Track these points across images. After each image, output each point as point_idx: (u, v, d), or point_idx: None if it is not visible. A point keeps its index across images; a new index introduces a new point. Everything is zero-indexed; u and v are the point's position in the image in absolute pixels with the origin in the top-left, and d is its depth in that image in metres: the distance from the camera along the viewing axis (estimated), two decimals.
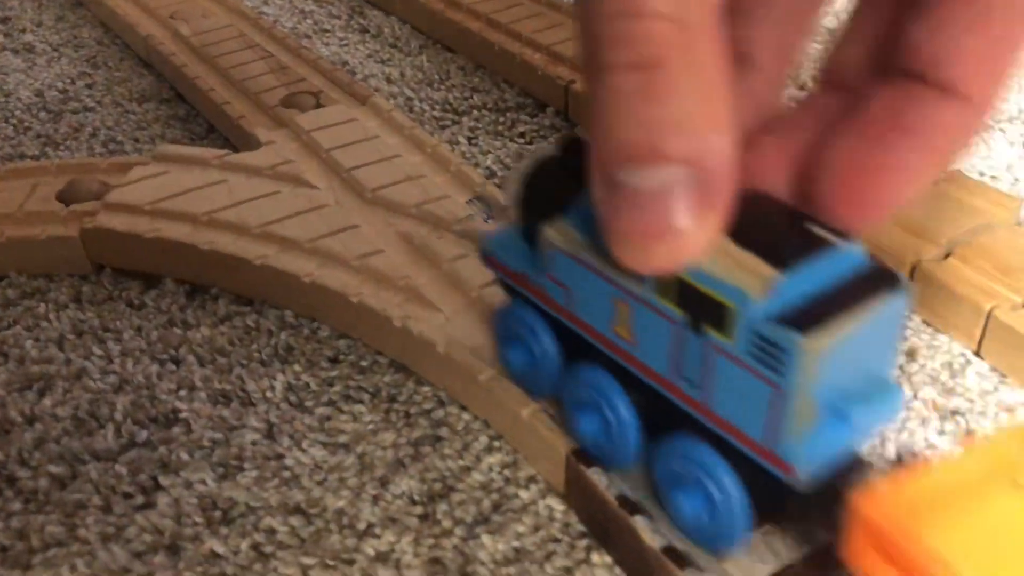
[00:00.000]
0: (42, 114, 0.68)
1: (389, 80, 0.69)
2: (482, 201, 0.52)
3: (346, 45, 0.75)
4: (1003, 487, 0.28)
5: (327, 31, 0.78)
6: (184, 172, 0.53)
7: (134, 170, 0.53)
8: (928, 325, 0.46)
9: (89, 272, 0.51)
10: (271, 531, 0.37)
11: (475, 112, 0.65)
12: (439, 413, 0.42)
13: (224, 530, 0.37)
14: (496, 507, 0.38)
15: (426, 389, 0.43)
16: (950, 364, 0.44)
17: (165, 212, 0.50)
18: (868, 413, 0.29)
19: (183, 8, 0.77)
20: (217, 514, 0.38)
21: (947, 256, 0.46)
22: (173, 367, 0.45)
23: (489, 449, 0.40)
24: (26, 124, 0.66)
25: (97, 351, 0.46)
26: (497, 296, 0.41)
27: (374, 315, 0.44)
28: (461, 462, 0.39)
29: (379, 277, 0.46)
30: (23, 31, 0.81)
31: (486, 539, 0.36)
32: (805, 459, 0.28)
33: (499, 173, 0.58)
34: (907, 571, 0.27)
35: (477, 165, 0.59)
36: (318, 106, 0.61)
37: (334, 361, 0.45)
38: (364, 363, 0.45)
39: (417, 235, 0.49)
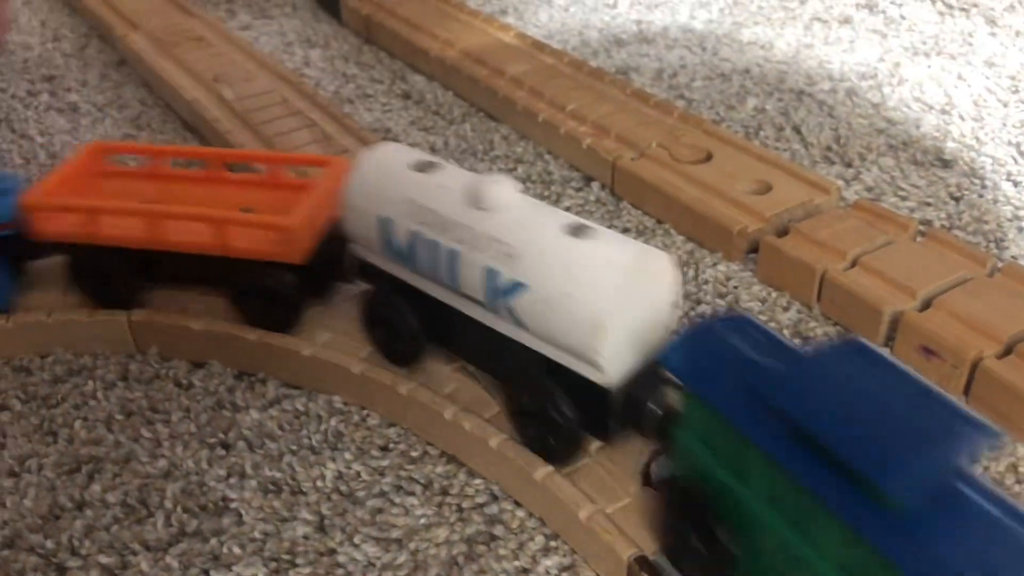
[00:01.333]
0: None
1: (433, 149, 0.69)
2: None
3: (389, 111, 0.76)
4: None
5: (369, 96, 0.78)
6: None
7: None
8: None
9: (134, 351, 0.51)
10: None
11: (520, 185, 0.65)
12: (493, 508, 0.41)
13: None
14: None
15: (478, 482, 0.43)
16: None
17: (212, 300, 0.50)
18: None
19: (226, 71, 0.78)
20: None
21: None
22: (222, 452, 0.44)
23: (546, 550, 0.39)
24: None
25: (146, 433, 0.46)
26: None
27: (424, 408, 0.44)
28: (517, 563, 0.39)
29: (428, 366, 0.46)
30: (68, 90, 0.82)
31: None
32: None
33: None
34: None
35: None
36: None
37: (384, 450, 0.44)
38: (415, 453, 0.44)
39: None
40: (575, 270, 0.36)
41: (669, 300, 0.39)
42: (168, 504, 0.42)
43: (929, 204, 0.61)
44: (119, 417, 0.47)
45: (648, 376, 0.38)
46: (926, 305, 0.48)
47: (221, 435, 0.45)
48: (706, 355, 0.34)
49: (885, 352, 0.32)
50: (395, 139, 0.71)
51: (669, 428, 0.36)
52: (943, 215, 0.59)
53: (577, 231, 0.38)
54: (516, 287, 0.38)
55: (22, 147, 0.73)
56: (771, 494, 0.31)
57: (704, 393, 0.33)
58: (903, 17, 0.88)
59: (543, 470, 0.40)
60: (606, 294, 0.36)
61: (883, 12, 0.90)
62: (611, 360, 0.36)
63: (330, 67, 0.84)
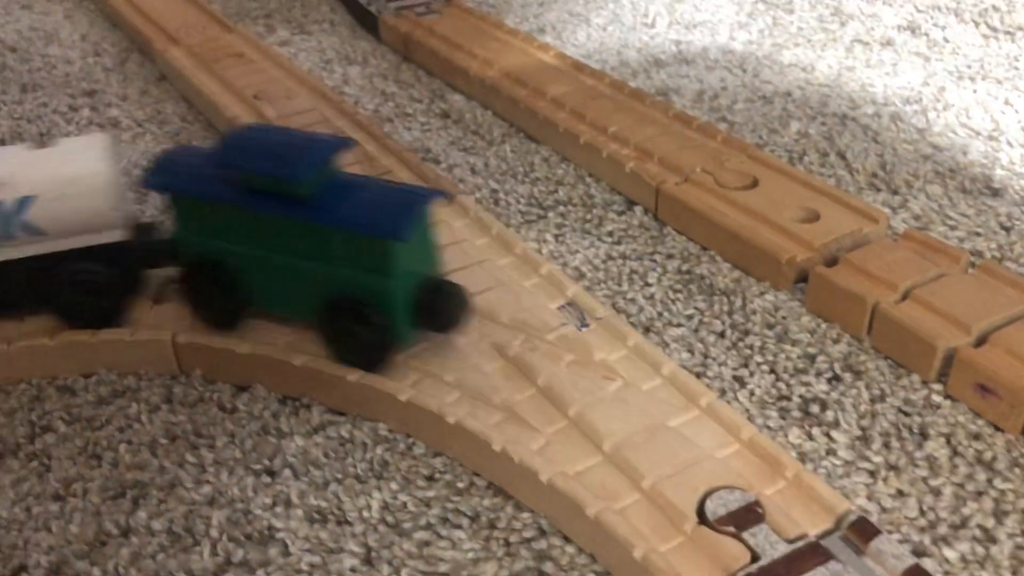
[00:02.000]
0: (128, 194, 0.68)
1: (473, 171, 0.69)
2: (574, 308, 0.51)
3: (428, 131, 0.75)
4: None
5: (409, 115, 0.78)
6: None
7: None
8: None
9: (178, 372, 0.51)
10: None
11: (561, 208, 0.64)
12: (541, 544, 0.41)
13: None
14: None
15: (526, 515, 0.42)
16: None
17: (258, 324, 0.49)
18: None
19: (267, 88, 0.78)
20: None
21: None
22: (268, 479, 0.44)
23: None
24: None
25: (190, 458, 0.45)
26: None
27: (472, 437, 0.43)
28: None
29: (475, 394, 0.45)
30: (109, 105, 0.82)
31: None
32: None
33: (588, 275, 0.57)
34: None
35: (565, 265, 0.58)
36: None
37: (430, 480, 0.44)
38: (461, 484, 0.44)
39: (511, 347, 0.48)
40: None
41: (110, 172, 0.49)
42: (214, 533, 0.41)
43: (979, 234, 0.60)
44: (163, 441, 0.46)
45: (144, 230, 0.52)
46: (981, 340, 0.48)
47: (266, 461, 0.45)
48: (171, 169, 0.49)
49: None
50: (435, 160, 0.71)
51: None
52: (993, 245, 0.58)
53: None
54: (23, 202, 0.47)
55: None
56: (246, 233, 0.46)
57: (182, 189, 0.48)
58: (946, 40, 0.87)
59: (596, 505, 0.39)
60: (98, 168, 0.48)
61: (926, 35, 0.89)
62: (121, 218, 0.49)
63: (369, 85, 0.84)
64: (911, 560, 0.37)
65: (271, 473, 0.45)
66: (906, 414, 0.46)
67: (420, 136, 0.75)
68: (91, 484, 0.44)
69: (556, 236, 0.61)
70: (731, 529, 0.38)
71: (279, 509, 0.43)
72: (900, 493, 0.42)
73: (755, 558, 0.37)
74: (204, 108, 0.79)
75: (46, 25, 0.99)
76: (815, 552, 0.37)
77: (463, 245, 0.56)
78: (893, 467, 0.43)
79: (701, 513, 0.38)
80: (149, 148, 0.75)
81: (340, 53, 0.91)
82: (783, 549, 0.37)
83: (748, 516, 0.38)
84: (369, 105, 0.80)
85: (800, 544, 0.37)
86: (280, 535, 0.41)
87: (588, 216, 0.63)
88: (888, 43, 0.88)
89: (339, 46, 0.92)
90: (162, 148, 0.74)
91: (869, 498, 0.42)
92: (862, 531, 0.38)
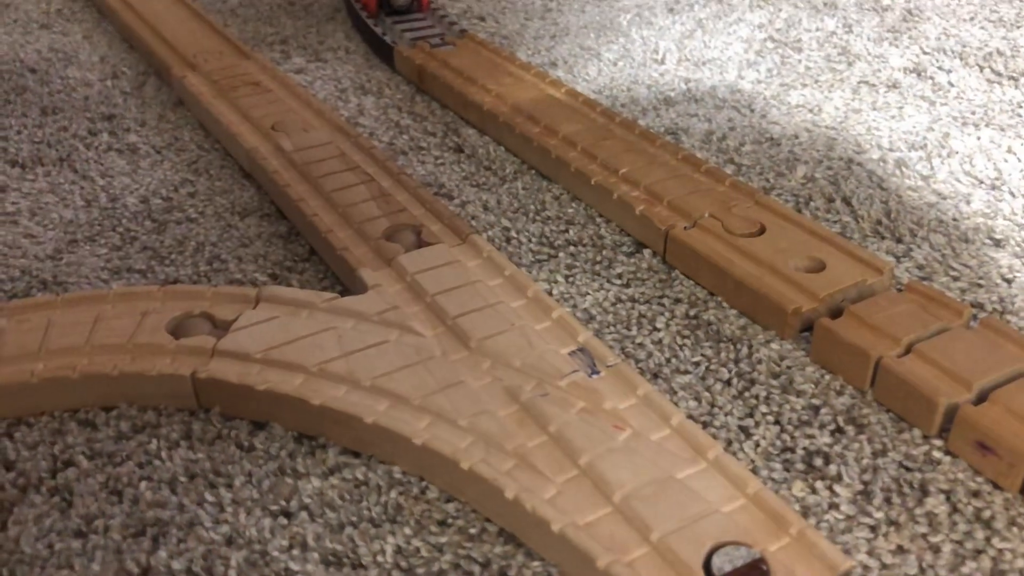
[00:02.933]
0: (147, 223, 0.70)
1: (486, 208, 0.70)
2: (585, 353, 0.52)
3: (442, 164, 0.77)
4: None
5: (423, 148, 0.79)
6: (292, 317, 0.54)
7: (243, 315, 0.54)
8: None
9: (196, 407, 0.52)
10: None
11: (571, 248, 0.66)
12: None
13: None
14: None
15: (536, 564, 0.43)
16: None
17: (276, 362, 0.51)
18: None
19: (284, 119, 0.79)
20: None
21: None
22: (284, 521, 0.45)
23: None
24: (132, 234, 0.68)
25: (209, 497, 0.47)
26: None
27: (485, 484, 0.45)
28: None
29: (488, 440, 0.47)
30: (127, 131, 0.83)
31: None
32: None
33: (598, 317, 0.59)
34: None
35: (575, 307, 0.60)
36: (419, 241, 0.62)
37: (443, 525, 0.45)
38: (473, 530, 0.45)
39: (522, 392, 0.49)
40: None
41: None
42: (232, 574, 0.42)
43: (980, 285, 0.61)
44: (183, 479, 0.48)
45: None
46: (981, 398, 0.49)
47: (283, 502, 0.46)
48: None
49: None
50: (448, 195, 0.72)
51: None
52: (995, 298, 0.60)
53: None
54: None
55: (83, 188, 0.74)
56: None
57: None
58: (951, 84, 0.89)
59: (606, 558, 0.40)
60: None
61: (931, 78, 0.90)
62: None
63: (384, 116, 0.85)
64: None
65: (288, 515, 0.46)
66: (907, 469, 0.47)
67: (434, 170, 0.76)
68: (112, 521, 0.45)
69: (567, 277, 0.63)
70: None
71: (296, 552, 0.44)
72: (900, 549, 0.43)
73: None
74: (221, 137, 0.80)
75: (65, 46, 1.01)
76: None
77: (477, 286, 0.57)
78: (894, 523, 0.45)
79: (708, 568, 0.40)
80: (168, 176, 0.76)
81: (355, 82, 0.92)
82: None
83: (753, 573, 0.39)
84: (384, 137, 0.81)
85: None
86: None
87: (598, 258, 0.64)
88: (894, 85, 0.89)
89: (354, 75, 0.93)
90: (181, 176, 0.76)
91: (870, 554, 0.43)
92: None
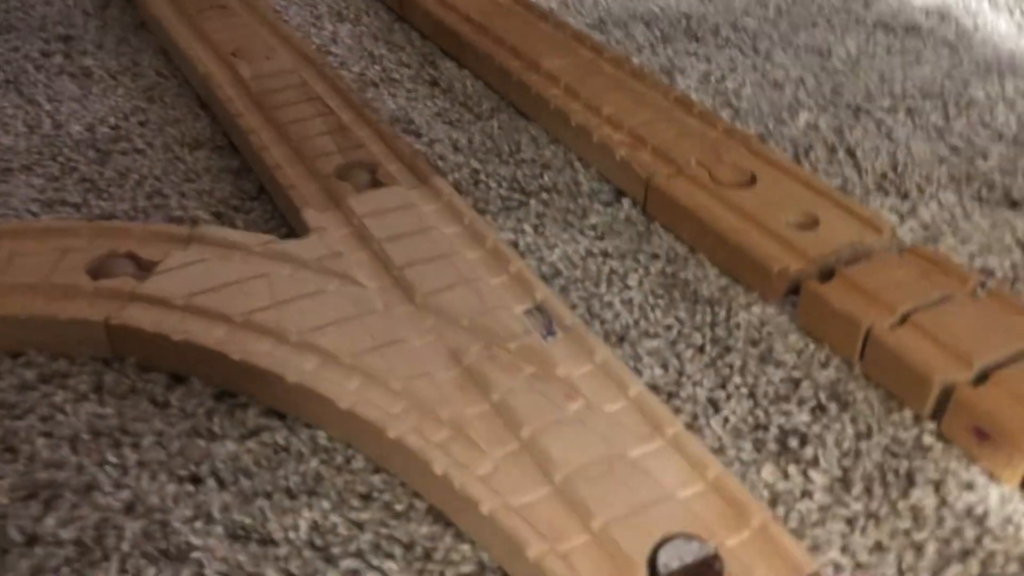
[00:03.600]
0: (90, 153, 0.64)
1: (456, 147, 0.64)
2: (541, 313, 0.47)
3: (414, 99, 0.71)
4: None
5: (395, 80, 0.73)
6: (223, 261, 0.49)
7: (171, 256, 0.49)
8: None
9: (111, 356, 0.47)
10: None
11: (544, 195, 0.60)
12: None
13: None
14: None
15: (466, 547, 0.38)
16: None
17: (198, 310, 0.46)
18: None
19: (246, 45, 0.73)
20: None
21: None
22: (191, 488, 0.41)
23: None
24: (72, 164, 0.63)
25: (112, 458, 0.42)
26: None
27: (412, 456, 0.40)
28: None
29: (423, 406, 0.42)
30: (83, 53, 0.78)
31: None
32: None
33: (565, 272, 0.53)
34: None
35: (541, 260, 0.54)
36: (374, 181, 0.56)
37: (367, 499, 0.40)
38: (399, 506, 0.40)
39: (468, 354, 0.44)
40: None
41: None
42: (126, 546, 0.38)
43: (992, 250, 0.55)
44: (86, 436, 0.43)
45: None
46: (982, 378, 0.43)
47: (192, 467, 0.42)
48: None
49: None
50: (416, 132, 0.66)
51: None
52: (1007, 264, 0.54)
53: None
54: None
55: (28, 113, 0.69)
56: None
57: None
58: (977, 28, 0.82)
59: (537, 547, 0.36)
60: None
61: (955, 20, 0.83)
62: None
63: (358, 45, 0.79)
64: None
65: (196, 480, 0.41)
66: (893, 455, 0.42)
67: (404, 105, 0.70)
68: (2, 482, 0.41)
69: (535, 227, 0.57)
70: None
71: (199, 524, 0.39)
72: (879, 546, 0.38)
73: None
74: (180, 63, 0.75)
75: None
76: None
77: (431, 234, 0.52)
78: (873, 516, 0.40)
79: (653, 563, 0.35)
80: (120, 104, 0.71)
81: (332, 8, 0.86)
82: None
83: (704, 572, 0.35)
84: (355, 68, 0.75)
85: None
86: (196, 554, 0.38)
87: (572, 206, 0.59)
88: (914, 28, 0.82)
89: (331, 0, 0.87)
90: (133, 104, 0.70)
91: (844, 550, 0.38)
92: None
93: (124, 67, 0.76)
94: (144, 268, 0.50)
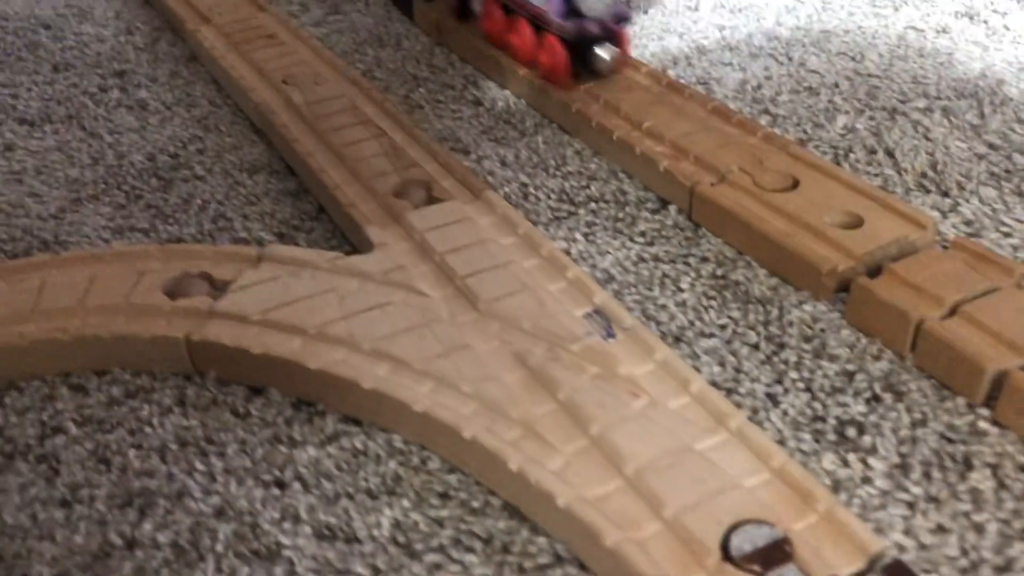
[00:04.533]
0: (153, 180, 0.67)
1: (504, 163, 0.67)
2: (600, 316, 0.49)
3: (459, 119, 0.73)
4: None
5: (440, 102, 0.76)
6: (293, 278, 0.51)
7: (243, 275, 0.51)
8: None
9: (192, 371, 0.50)
10: None
11: (592, 204, 0.62)
12: (557, 572, 0.39)
13: None
14: None
15: (542, 540, 0.40)
16: None
17: (274, 324, 0.48)
18: None
19: (296, 72, 0.76)
20: None
21: None
22: (277, 491, 0.43)
23: None
24: (137, 192, 0.66)
25: (200, 466, 0.44)
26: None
27: (488, 454, 0.42)
28: None
29: (493, 407, 0.44)
30: (138, 86, 0.81)
31: None
32: None
33: (618, 277, 0.55)
34: None
35: (594, 267, 0.56)
36: (429, 198, 0.58)
37: (444, 497, 0.42)
38: (475, 503, 0.42)
39: (532, 356, 0.46)
40: None
41: None
42: (220, 548, 0.40)
43: None
44: (174, 447, 0.45)
45: None
46: None
47: (276, 472, 0.44)
48: None
49: None
50: (464, 150, 0.69)
51: None
52: None
53: None
54: None
55: (91, 145, 0.72)
56: None
57: None
58: (1007, 28, 0.83)
59: (614, 535, 0.37)
60: None
61: (984, 22, 0.84)
62: None
63: (401, 69, 0.82)
64: None
65: (281, 485, 0.43)
66: (949, 441, 0.44)
67: (450, 125, 0.72)
68: (98, 491, 0.43)
69: (586, 235, 0.59)
70: (757, 568, 0.36)
71: (287, 524, 0.41)
72: (940, 528, 0.40)
73: None
74: (233, 91, 0.78)
75: (81, 2, 0.98)
76: None
77: (488, 245, 0.54)
78: (933, 499, 0.41)
79: (726, 548, 0.36)
80: (177, 133, 0.73)
81: (373, 35, 0.88)
82: None
83: (775, 554, 0.36)
84: (400, 91, 0.78)
85: None
86: (287, 552, 0.40)
87: (620, 215, 0.61)
88: (944, 30, 0.83)
89: (372, 27, 0.90)
90: (190, 132, 0.73)
91: (906, 533, 0.40)
92: (897, 575, 0.35)
93: (178, 98, 0.79)
94: (218, 287, 0.52)
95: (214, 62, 0.80)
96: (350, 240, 0.59)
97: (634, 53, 0.80)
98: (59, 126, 0.75)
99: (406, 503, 0.42)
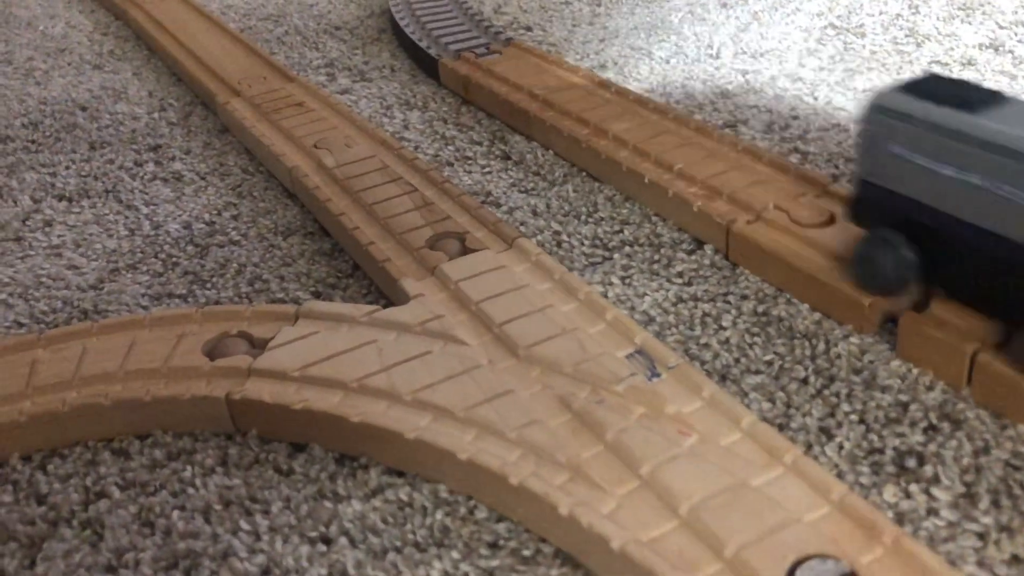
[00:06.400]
0: (189, 248, 0.68)
1: (535, 213, 0.67)
2: (643, 356, 0.48)
3: (488, 173, 0.74)
4: None
5: (469, 158, 0.76)
6: (332, 332, 0.51)
7: (281, 332, 0.51)
8: None
9: (233, 431, 0.49)
10: None
11: (627, 248, 0.61)
12: None
13: None
14: None
15: None
16: None
17: (314, 379, 0.48)
18: None
19: (327, 136, 0.77)
20: None
21: None
22: (323, 548, 0.42)
23: None
24: (174, 259, 0.67)
25: (244, 525, 0.43)
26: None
27: (536, 499, 0.41)
28: None
29: (539, 452, 0.43)
30: (172, 159, 0.82)
31: None
32: None
33: (658, 319, 0.54)
34: None
35: (633, 309, 0.56)
36: (463, 248, 0.58)
37: (494, 547, 0.41)
38: (526, 552, 0.41)
39: (576, 399, 0.45)
40: None
41: None
42: None
43: None
44: (217, 507, 0.45)
45: None
46: None
47: (322, 528, 0.43)
48: None
49: None
50: (495, 203, 0.69)
51: None
52: None
53: None
54: None
55: (127, 218, 0.73)
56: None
57: None
58: None
59: None
60: None
61: (1010, 52, 0.84)
62: None
63: (429, 129, 0.83)
64: None
65: (327, 541, 0.42)
66: (1016, 468, 0.42)
67: (480, 179, 0.73)
68: (143, 554, 0.42)
69: (623, 279, 0.58)
70: None
71: None
72: (1016, 560, 0.38)
73: None
74: (264, 158, 0.79)
75: (116, 83, 1.01)
76: None
77: (525, 291, 0.53)
78: (1005, 528, 0.39)
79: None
80: (212, 201, 0.74)
81: (400, 98, 0.90)
82: None
83: None
84: (429, 150, 0.79)
85: None
86: None
87: (656, 257, 0.60)
88: (969, 63, 0.83)
89: (399, 91, 0.91)
90: (224, 200, 0.74)
91: (980, 564, 0.38)
92: None
93: (212, 168, 0.80)
94: (257, 346, 0.52)
95: (245, 132, 0.82)
96: (385, 295, 0.59)
97: (659, 99, 0.80)
98: (96, 200, 0.76)
99: (455, 554, 0.41)
